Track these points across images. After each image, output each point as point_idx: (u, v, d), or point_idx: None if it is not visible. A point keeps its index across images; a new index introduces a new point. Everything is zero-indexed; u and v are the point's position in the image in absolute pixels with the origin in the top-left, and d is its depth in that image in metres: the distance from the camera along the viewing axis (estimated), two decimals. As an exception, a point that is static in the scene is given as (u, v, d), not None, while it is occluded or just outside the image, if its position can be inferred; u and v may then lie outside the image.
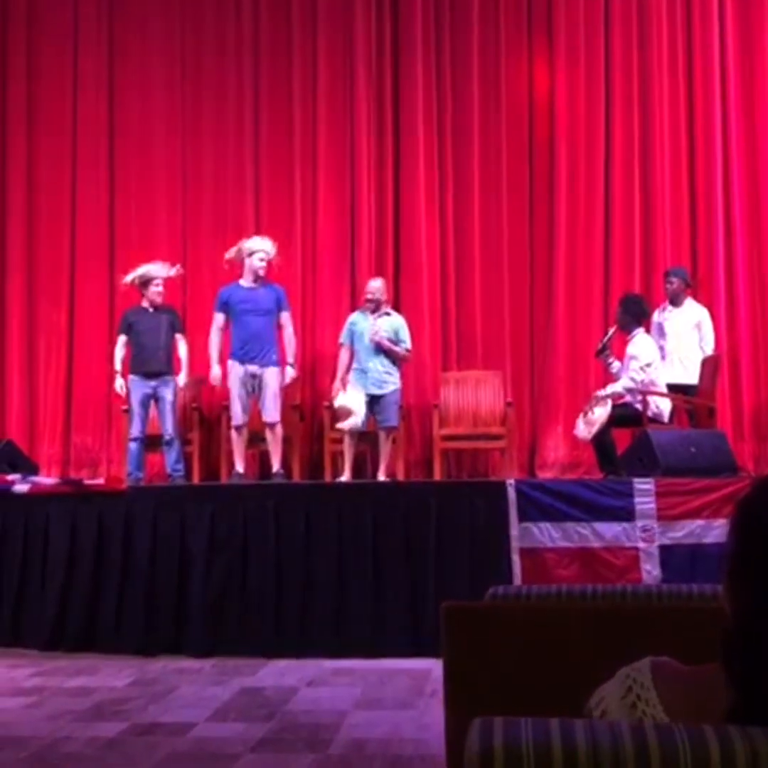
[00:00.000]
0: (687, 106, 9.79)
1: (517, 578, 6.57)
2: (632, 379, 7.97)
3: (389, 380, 8.53)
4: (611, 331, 8.45)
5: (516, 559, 6.65)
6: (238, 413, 8.44)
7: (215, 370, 8.50)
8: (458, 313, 9.84)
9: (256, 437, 8.68)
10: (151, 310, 8.71)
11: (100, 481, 8.06)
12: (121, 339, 8.74)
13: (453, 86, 9.99)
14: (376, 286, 8.76)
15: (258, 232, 9.13)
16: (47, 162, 10.33)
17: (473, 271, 9.83)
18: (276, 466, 8.47)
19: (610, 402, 7.94)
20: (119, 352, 8.73)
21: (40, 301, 10.22)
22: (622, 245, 9.76)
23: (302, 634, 6.75)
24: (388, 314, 8.69)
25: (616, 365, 8.30)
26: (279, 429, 8.51)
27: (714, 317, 9.01)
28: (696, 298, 9.09)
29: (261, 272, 8.58)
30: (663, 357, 8.53)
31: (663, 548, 6.66)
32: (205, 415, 9.41)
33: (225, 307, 8.56)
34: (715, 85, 9.72)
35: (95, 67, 10.32)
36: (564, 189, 9.86)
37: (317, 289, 9.95)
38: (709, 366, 8.62)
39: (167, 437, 8.53)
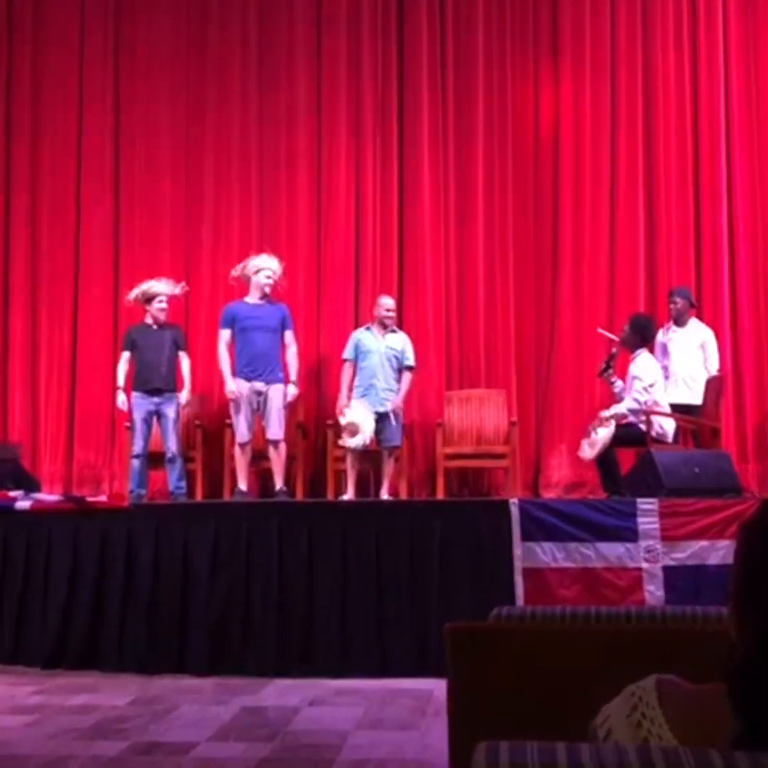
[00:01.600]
0: (692, 126, 9.81)
1: (520, 598, 6.54)
2: (636, 400, 7.96)
3: (393, 398, 8.55)
4: (615, 350, 8.44)
5: (519, 578, 6.62)
6: (242, 430, 8.44)
7: (230, 385, 8.50)
8: (462, 332, 9.84)
9: (259, 455, 8.67)
10: (154, 327, 8.74)
11: (103, 498, 8.04)
12: (125, 355, 8.76)
13: (457, 107, 10.02)
14: (392, 304, 8.83)
15: (261, 250, 9.15)
16: (51, 179, 10.36)
17: (477, 290, 9.83)
18: (279, 483, 8.46)
19: (613, 422, 7.93)
20: (122, 367, 8.75)
21: (43, 318, 10.23)
22: (627, 264, 9.77)
23: (305, 653, 6.72)
24: (394, 331, 8.73)
25: (618, 384, 8.29)
26: (282, 446, 8.51)
27: (718, 337, 9.01)
28: (700, 318, 9.09)
29: (267, 290, 8.64)
30: (667, 377, 8.52)
31: (666, 569, 6.63)
32: (208, 432, 9.40)
33: (231, 323, 8.58)
34: (720, 105, 9.75)
35: (101, 84, 10.35)
36: (569, 208, 9.88)
37: (322, 306, 9.96)
38: (714, 386, 8.60)
39: (170, 455, 8.53)
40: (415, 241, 9.90)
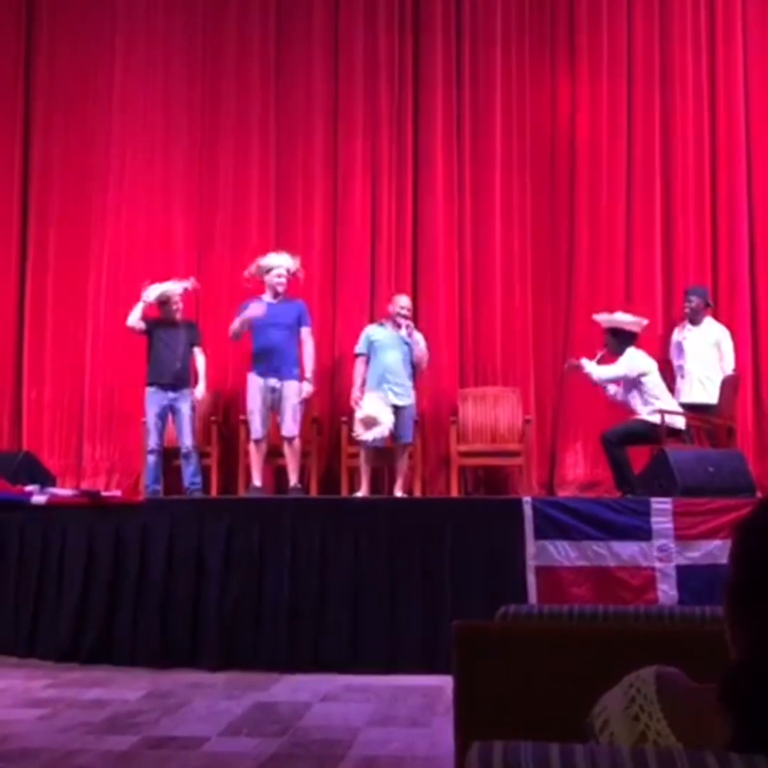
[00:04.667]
0: (709, 124, 9.78)
1: (532, 596, 6.54)
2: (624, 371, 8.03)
3: (407, 393, 8.52)
4: (600, 355, 8.37)
5: (531, 577, 6.62)
6: (257, 427, 8.45)
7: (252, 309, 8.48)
8: (476, 329, 9.81)
9: (274, 451, 8.68)
10: (170, 322, 8.73)
11: (118, 493, 8.07)
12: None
13: (474, 107, 9.99)
14: (408, 302, 8.76)
15: (277, 245, 9.14)
16: (75, 170, 10.40)
17: (493, 288, 9.81)
18: (293, 480, 8.47)
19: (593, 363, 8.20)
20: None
21: (54, 310, 10.24)
22: (643, 263, 9.73)
23: (316, 649, 6.74)
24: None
25: (612, 388, 8.29)
26: (297, 443, 8.52)
27: (736, 336, 8.98)
28: (717, 317, 9.06)
29: (280, 288, 8.62)
30: (682, 376, 8.50)
31: (680, 568, 6.62)
32: (223, 429, 9.41)
33: (247, 319, 8.58)
34: (739, 104, 9.71)
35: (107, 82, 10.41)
36: (585, 206, 9.85)
37: (337, 303, 9.95)
38: (729, 385, 8.58)
39: (185, 450, 8.54)
40: (430, 239, 9.88)
